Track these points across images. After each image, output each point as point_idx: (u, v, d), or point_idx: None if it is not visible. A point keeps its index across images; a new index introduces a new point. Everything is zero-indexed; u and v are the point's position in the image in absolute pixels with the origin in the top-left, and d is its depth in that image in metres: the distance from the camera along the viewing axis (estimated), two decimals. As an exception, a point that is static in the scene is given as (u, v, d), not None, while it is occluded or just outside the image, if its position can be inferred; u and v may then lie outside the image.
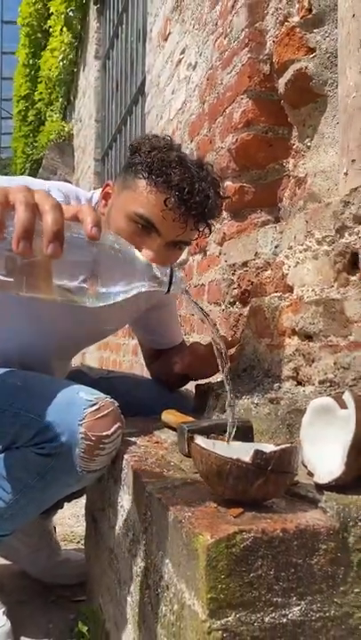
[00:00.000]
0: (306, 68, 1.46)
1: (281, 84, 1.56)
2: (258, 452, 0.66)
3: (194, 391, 1.45)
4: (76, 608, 1.30)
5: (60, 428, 0.99)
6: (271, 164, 1.63)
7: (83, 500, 1.43)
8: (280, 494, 0.71)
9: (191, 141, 2.15)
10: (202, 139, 2.02)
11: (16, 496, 1.05)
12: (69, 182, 5.76)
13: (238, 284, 1.48)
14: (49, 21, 7.04)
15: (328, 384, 0.98)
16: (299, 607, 0.61)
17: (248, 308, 1.37)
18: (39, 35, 8.21)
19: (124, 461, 0.98)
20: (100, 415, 0.99)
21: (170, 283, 0.74)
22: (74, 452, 0.98)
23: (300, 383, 1.10)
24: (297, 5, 1.48)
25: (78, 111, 6.33)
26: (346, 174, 1.16)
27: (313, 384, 1.03)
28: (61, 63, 6.62)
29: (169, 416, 1.18)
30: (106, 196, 1.20)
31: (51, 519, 1.50)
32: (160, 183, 1.09)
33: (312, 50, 1.45)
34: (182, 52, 2.30)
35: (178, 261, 1.29)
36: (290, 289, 1.17)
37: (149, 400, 1.36)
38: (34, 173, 7.48)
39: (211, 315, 1.84)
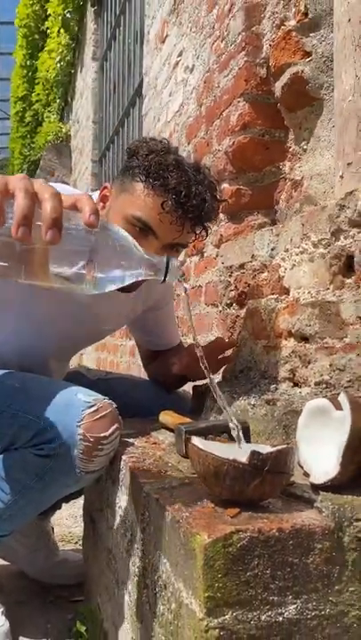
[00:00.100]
0: (302, 71, 1.47)
1: (277, 87, 1.57)
2: (254, 453, 0.67)
3: (191, 392, 1.46)
4: (74, 608, 1.31)
5: (58, 430, 1.00)
6: (268, 167, 1.64)
7: (80, 501, 1.43)
8: (276, 494, 0.72)
9: (188, 144, 2.16)
10: (199, 141, 2.03)
11: (15, 497, 1.05)
12: (67, 184, 5.77)
13: (235, 286, 1.49)
14: (46, 23, 7.05)
15: (324, 385, 0.99)
16: (295, 606, 0.62)
17: (245, 309, 1.38)
18: (36, 36, 8.21)
19: (122, 462, 0.98)
20: (98, 416, 1.00)
21: (166, 271, 0.75)
22: (72, 453, 0.99)
23: (296, 384, 1.10)
24: (293, 9, 1.50)
25: (76, 112, 6.34)
26: (342, 177, 1.18)
27: (309, 385, 1.04)
28: (59, 64, 6.62)
29: (166, 417, 1.19)
30: (103, 199, 1.21)
31: (49, 520, 1.51)
32: (157, 186, 1.10)
33: (308, 54, 1.47)
34: (180, 55, 2.31)
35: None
36: (286, 291, 1.18)
37: (147, 401, 1.37)
38: (31, 174, 7.48)
39: (208, 316, 1.85)
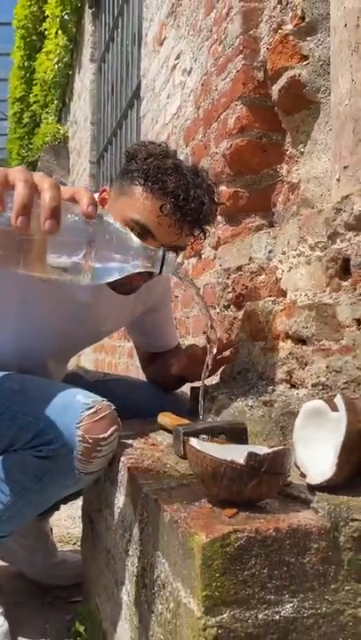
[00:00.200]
0: (299, 75, 1.48)
1: (275, 90, 1.58)
2: (251, 454, 0.68)
3: (189, 394, 1.47)
4: (73, 609, 1.31)
5: (57, 431, 1.01)
6: (265, 170, 1.65)
7: (79, 502, 1.44)
8: (273, 495, 0.72)
9: (186, 146, 2.17)
10: (197, 144, 2.04)
11: (14, 498, 1.06)
12: (65, 184, 5.76)
13: (233, 288, 1.50)
14: (44, 24, 7.05)
15: (321, 387, 1.00)
16: (291, 604, 0.63)
17: (243, 311, 1.39)
18: (34, 37, 8.22)
19: (120, 463, 0.99)
20: (97, 418, 1.01)
21: (162, 264, 0.76)
22: (71, 454, 1.00)
23: (293, 386, 1.11)
24: (290, 13, 1.51)
25: (74, 114, 6.35)
26: (338, 180, 1.19)
27: (306, 387, 1.05)
28: (57, 66, 6.63)
29: (165, 418, 1.20)
30: (102, 202, 1.22)
31: (47, 521, 1.52)
32: (156, 190, 1.11)
33: (305, 57, 1.48)
34: (177, 58, 2.32)
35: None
36: (283, 293, 1.19)
37: (145, 403, 1.38)
38: (29, 175, 7.46)
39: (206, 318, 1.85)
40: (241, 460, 0.68)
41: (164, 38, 2.55)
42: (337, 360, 0.96)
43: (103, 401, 1.04)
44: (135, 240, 0.74)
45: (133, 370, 2.81)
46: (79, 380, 1.47)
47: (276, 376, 1.17)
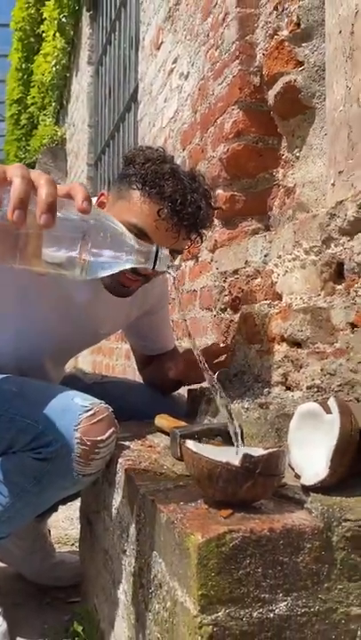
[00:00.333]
0: (295, 80, 1.50)
1: (271, 95, 1.60)
2: (246, 456, 0.69)
3: (186, 396, 1.48)
4: (71, 609, 1.32)
5: (56, 434, 1.02)
6: (261, 174, 1.67)
7: (77, 503, 1.45)
8: (268, 496, 0.74)
9: (183, 150, 2.19)
10: (194, 147, 2.06)
11: (13, 500, 1.07)
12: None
13: (229, 291, 1.51)
14: (42, 26, 7.06)
15: (315, 389, 1.02)
16: (285, 603, 0.64)
17: (239, 314, 1.41)
18: (32, 39, 8.23)
19: (118, 465, 1.01)
20: (95, 420, 1.02)
21: (155, 259, 0.77)
22: (70, 456, 1.01)
23: (288, 388, 1.13)
24: (286, 20, 1.52)
25: (71, 116, 6.36)
26: (333, 185, 1.20)
27: (301, 389, 1.07)
28: (54, 68, 6.64)
29: (162, 420, 1.21)
30: (100, 205, 1.23)
31: (45, 522, 1.53)
32: (153, 194, 1.13)
33: (301, 63, 1.49)
34: (174, 62, 2.34)
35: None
36: (279, 297, 1.21)
37: (143, 405, 1.39)
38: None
39: (203, 320, 1.87)
40: (236, 461, 0.69)
41: (162, 42, 2.57)
42: (331, 363, 0.98)
43: (101, 403, 1.06)
44: (129, 236, 0.76)
45: (131, 372, 2.83)
46: (77, 382, 1.48)
47: (271, 378, 1.18)
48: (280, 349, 1.17)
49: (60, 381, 1.43)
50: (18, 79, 9.24)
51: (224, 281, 1.54)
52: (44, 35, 7.00)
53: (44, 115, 7.79)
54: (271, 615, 0.64)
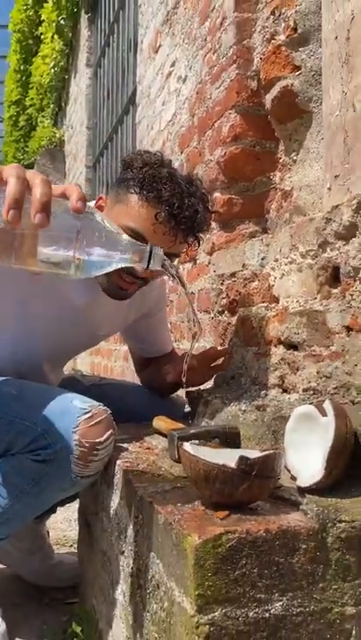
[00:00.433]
0: (292, 85, 1.51)
1: (268, 99, 1.61)
2: (243, 458, 0.70)
3: (184, 398, 1.49)
4: (70, 610, 1.33)
5: (54, 436, 1.03)
6: (259, 177, 1.68)
7: (75, 505, 1.46)
8: (264, 497, 0.75)
9: (181, 153, 2.20)
10: (192, 151, 2.07)
11: (12, 501, 1.08)
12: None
13: (227, 294, 1.52)
14: (40, 28, 7.08)
15: (312, 392, 1.03)
16: (281, 603, 0.65)
17: (236, 317, 1.42)
18: (30, 41, 8.24)
19: (116, 467, 1.02)
20: (93, 423, 1.03)
21: (149, 258, 0.78)
22: (68, 458, 1.02)
23: (285, 391, 1.14)
24: (283, 24, 1.53)
25: (69, 118, 6.37)
26: (329, 189, 1.21)
27: (298, 392, 1.08)
28: (53, 70, 6.65)
29: (160, 422, 1.22)
30: (99, 209, 1.24)
31: (44, 523, 1.53)
32: (151, 198, 1.14)
33: (298, 67, 1.51)
34: (172, 65, 2.35)
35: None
36: (276, 300, 1.22)
37: (141, 407, 1.40)
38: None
39: (201, 322, 1.88)
40: (232, 463, 0.70)
41: (160, 46, 2.58)
42: (327, 366, 0.99)
43: (99, 406, 1.07)
44: (123, 235, 0.77)
45: (129, 373, 2.83)
46: (76, 384, 1.49)
47: (268, 381, 1.19)
48: (277, 352, 1.18)
49: (58, 383, 1.44)
50: (16, 81, 9.25)
51: (222, 284, 1.55)
52: (42, 37, 7.01)
53: (43, 116, 7.80)
54: (267, 615, 0.65)
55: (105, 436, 1.03)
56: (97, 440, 1.02)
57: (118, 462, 1.01)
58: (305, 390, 1.05)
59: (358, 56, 1.15)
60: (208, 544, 0.64)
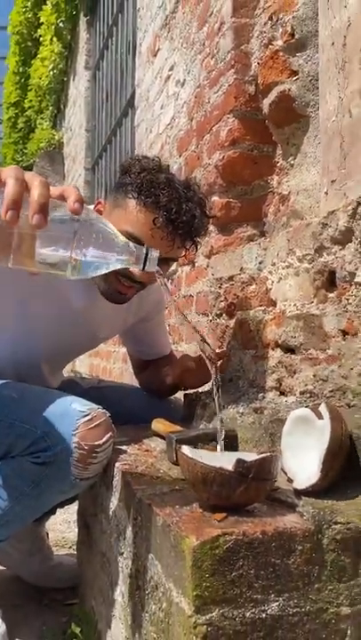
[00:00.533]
0: (289, 90, 1.52)
1: (265, 104, 1.62)
2: (240, 461, 0.71)
3: (182, 400, 1.50)
4: (69, 611, 1.34)
5: (54, 438, 1.04)
6: (256, 181, 1.69)
7: (74, 507, 1.47)
8: (261, 499, 0.76)
9: (180, 156, 2.21)
10: (190, 154, 2.08)
11: (12, 503, 1.09)
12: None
13: (225, 297, 1.53)
14: (39, 30, 7.09)
15: (308, 395, 1.04)
16: (277, 603, 0.67)
17: (234, 320, 1.43)
18: (29, 43, 8.25)
19: (115, 469, 1.03)
20: (92, 425, 1.04)
21: (145, 260, 0.79)
22: (68, 460, 1.03)
23: (282, 393, 1.15)
24: (280, 30, 1.55)
25: (68, 120, 6.38)
26: (326, 194, 1.23)
27: (295, 394, 1.09)
28: (51, 72, 6.66)
29: (158, 425, 1.23)
30: (97, 213, 1.25)
31: (43, 525, 1.54)
32: (149, 203, 1.15)
33: (295, 73, 1.52)
34: (171, 69, 2.36)
35: (166, 274, 1.36)
36: (273, 303, 1.23)
37: (139, 409, 1.41)
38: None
39: (199, 325, 1.89)
40: (230, 466, 0.71)
41: (158, 49, 2.59)
42: (323, 369, 1.00)
43: (99, 408, 1.08)
44: (120, 237, 0.78)
45: (128, 375, 2.84)
46: (75, 387, 1.50)
47: (266, 384, 1.20)
48: (274, 355, 1.19)
49: (57, 386, 1.45)
50: (15, 82, 9.26)
51: (220, 287, 1.56)
52: (41, 39, 7.02)
53: (42, 118, 7.81)
54: (264, 615, 0.66)
55: (104, 439, 1.05)
56: (96, 443, 1.04)
57: (117, 464, 1.03)
58: (302, 393, 1.06)
59: (354, 62, 1.16)
60: (206, 545, 0.65)
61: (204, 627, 0.64)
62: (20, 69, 8.89)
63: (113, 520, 1.02)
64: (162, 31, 2.53)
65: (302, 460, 0.81)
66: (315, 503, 0.74)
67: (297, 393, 1.08)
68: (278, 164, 1.66)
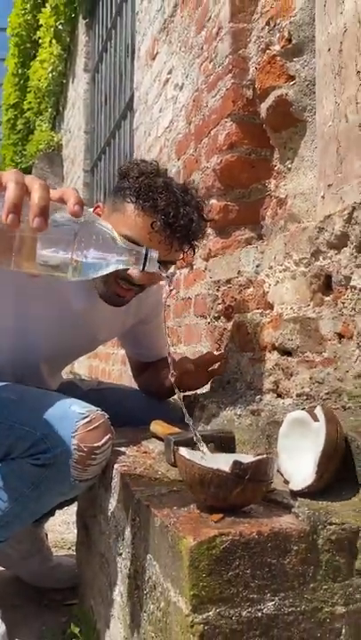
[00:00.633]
0: (286, 94, 1.54)
1: (263, 108, 1.64)
2: (236, 463, 0.73)
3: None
4: (68, 611, 1.35)
5: (53, 440, 1.05)
6: (254, 184, 1.70)
7: (73, 508, 1.48)
8: (257, 501, 0.77)
9: (178, 159, 2.22)
10: (188, 158, 2.09)
11: (11, 504, 1.10)
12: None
13: (222, 300, 1.55)
14: (38, 32, 7.10)
15: (305, 397, 1.05)
16: (273, 602, 0.68)
17: (232, 322, 1.44)
18: (28, 45, 8.26)
19: (114, 470, 1.04)
20: (91, 427, 1.05)
21: (145, 261, 0.81)
22: (67, 462, 1.04)
23: (279, 396, 1.16)
24: (278, 35, 1.56)
25: (67, 122, 6.40)
26: (323, 198, 1.24)
27: (291, 397, 1.10)
28: (50, 74, 6.67)
29: (157, 427, 1.24)
30: (96, 217, 1.26)
31: (42, 526, 1.55)
32: (147, 207, 1.16)
33: (292, 77, 1.53)
34: (169, 73, 2.38)
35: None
36: (270, 306, 1.24)
37: (138, 411, 1.42)
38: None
39: (197, 327, 1.90)
40: (227, 468, 0.73)
41: (157, 53, 2.61)
42: (320, 372, 1.01)
43: (98, 410, 1.09)
44: (119, 239, 0.79)
45: (126, 377, 2.85)
46: (74, 389, 1.51)
47: (263, 386, 1.22)
48: (271, 357, 1.20)
49: (57, 387, 1.46)
50: (14, 84, 9.27)
51: (217, 290, 1.57)
52: (40, 41, 7.04)
53: (41, 120, 7.82)
54: (259, 614, 0.67)
55: (103, 441, 1.06)
56: (95, 444, 1.05)
57: (116, 466, 1.04)
58: (298, 395, 1.08)
59: (350, 68, 1.17)
60: (203, 546, 0.66)
61: (201, 626, 0.65)
62: (20, 71, 8.89)
63: (112, 521, 1.03)
64: (160, 35, 2.54)
65: (298, 461, 0.82)
66: (310, 504, 0.75)
67: (293, 395, 1.09)
68: (276, 168, 1.67)
